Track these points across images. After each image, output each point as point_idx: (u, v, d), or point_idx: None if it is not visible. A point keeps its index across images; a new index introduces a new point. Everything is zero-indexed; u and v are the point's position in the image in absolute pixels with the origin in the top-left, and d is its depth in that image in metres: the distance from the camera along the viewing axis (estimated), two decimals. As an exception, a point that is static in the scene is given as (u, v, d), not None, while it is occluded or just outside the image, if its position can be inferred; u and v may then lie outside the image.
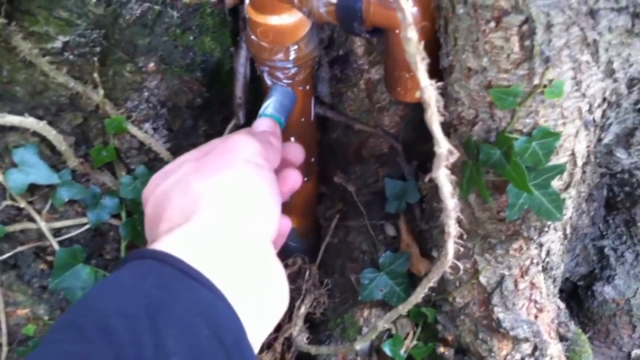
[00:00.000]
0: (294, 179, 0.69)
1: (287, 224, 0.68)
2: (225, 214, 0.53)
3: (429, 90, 0.45)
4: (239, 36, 0.86)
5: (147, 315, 0.41)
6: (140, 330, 0.40)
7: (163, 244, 0.49)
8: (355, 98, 0.89)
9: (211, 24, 0.82)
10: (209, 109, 0.90)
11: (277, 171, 0.66)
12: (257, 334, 0.50)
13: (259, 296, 0.51)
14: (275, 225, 0.57)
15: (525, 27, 0.52)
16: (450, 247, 0.63)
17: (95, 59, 0.77)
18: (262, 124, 0.70)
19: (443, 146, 0.49)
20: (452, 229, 0.60)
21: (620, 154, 0.79)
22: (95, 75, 0.78)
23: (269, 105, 0.74)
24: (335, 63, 0.88)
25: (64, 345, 0.40)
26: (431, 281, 0.71)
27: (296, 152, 0.73)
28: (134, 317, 0.41)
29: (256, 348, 0.50)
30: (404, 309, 0.78)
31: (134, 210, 0.90)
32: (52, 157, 0.83)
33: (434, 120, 0.47)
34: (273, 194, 0.58)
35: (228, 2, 0.82)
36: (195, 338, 0.41)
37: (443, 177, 0.52)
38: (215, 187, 0.55)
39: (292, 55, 0.73)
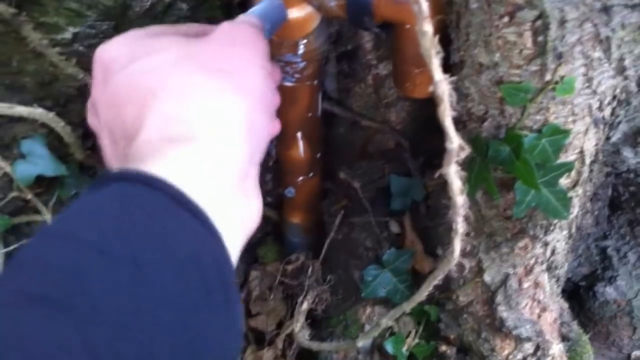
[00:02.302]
0: (278, 75, 0.61)
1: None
2: (233, 130, 0.46)
3: (442, 85, 0.45)
4: (247, 30, 0.86)
5: (132, 258, 0.34)
6: (123, 276, 0.34)
7: (157, 165, 0.41)
8: (362, 94, 0.89)
9: (220, 17, 0.82)
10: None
11: None
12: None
13: (241, 223, 0.46)
14: (266, 144, 0.51)
15: (538, 23, 0.52)
16: (457, 244, 0.63)
17: (104, 50, 0.77)
18: (246, 19, 0.58)
19: (455, 142, 0.49)
20: (460, 226, 0.60)
21: (627, 152, 0.79)
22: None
23: (254, 11, 0.64)
24: (343, 58, 0.88)
25: (23, 286, 0.33)
26: (436, 279, 0.70)
27: None
28: (116, 259, 0.34)
29: None
30: (408, 306, 0.78)
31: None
32: (60, 149, 0.83)
33: (447, 115, 0.47)
34: (275, 111, 0.53)
35: (237, -5, 0.82)
36: (185, 286, 0.36)
37: (453, 173, 0.52)
38: (228, 94, 0.47)
39: (301, 50, 0.73)
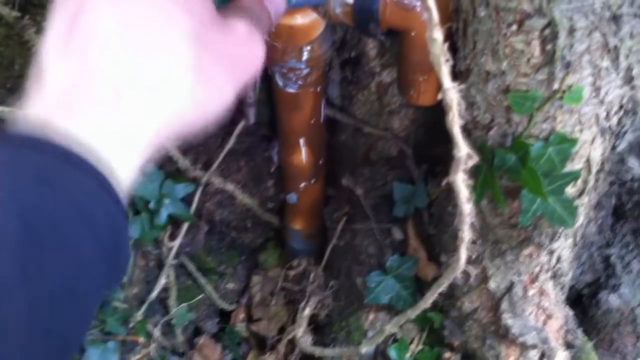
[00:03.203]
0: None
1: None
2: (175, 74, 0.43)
3: (451, 93, 0.45)
4: (250, 36, 0.85)
5: (21, 221, 0.34)
6: (10, 239, 0.33)
7: (65, 114, 0.38)
8: (365, 101, 0.89)
9: None
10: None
11: None
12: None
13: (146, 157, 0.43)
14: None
15: (547, 31, 0.51)
16: (463, 252, 0.63)
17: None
18: None
19: (462, 150, 0.48)
20: (466, 234, 0.60)
21: (632, 162, 0.79)
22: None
23: None
24: (347, 65, 0.87)
25: None
26: (441, 286, 0.70)
27: None
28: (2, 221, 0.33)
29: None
30: (412, 313, 0.78)
31: (141, 208, 0.90)
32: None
33: (455, 123, 0.47)
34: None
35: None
36: (76, 251, 0.36)
37: (460, 181, 0.52)
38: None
39: (305, 56, 0.73)
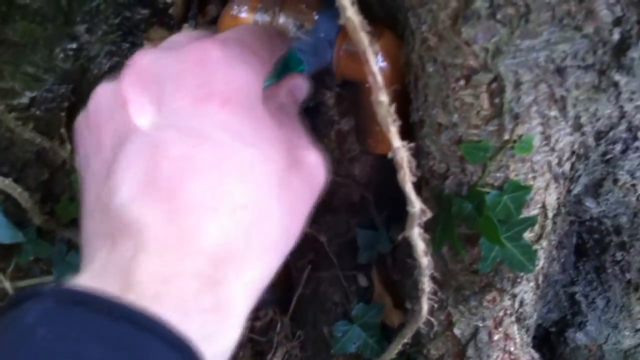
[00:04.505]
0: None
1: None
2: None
3: (401, 152, 0.45)
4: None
5: None
6: None
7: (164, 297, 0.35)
8: (326, 149, 0.89)
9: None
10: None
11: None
12: None
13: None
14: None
15: (494, 85, 0.52)
16: (424, 303, 0.62)
17: (63, 114, 0.76)
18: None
19: (416, 206, 0.49)
20: (426, 285, 0.60)
21: (589, 203, 0.80)
22: (63, 130, 0.77)
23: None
24: (306, 114, 0.88)
25: None
26: (405, 337, 0.70)
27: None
28: None
29: None
30: (377, 365, 0.77)
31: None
32: (17, 214, 0.82)
33: (407, 180, 0.47)
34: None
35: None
36: None
37: (416, 236, 0.52)
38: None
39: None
